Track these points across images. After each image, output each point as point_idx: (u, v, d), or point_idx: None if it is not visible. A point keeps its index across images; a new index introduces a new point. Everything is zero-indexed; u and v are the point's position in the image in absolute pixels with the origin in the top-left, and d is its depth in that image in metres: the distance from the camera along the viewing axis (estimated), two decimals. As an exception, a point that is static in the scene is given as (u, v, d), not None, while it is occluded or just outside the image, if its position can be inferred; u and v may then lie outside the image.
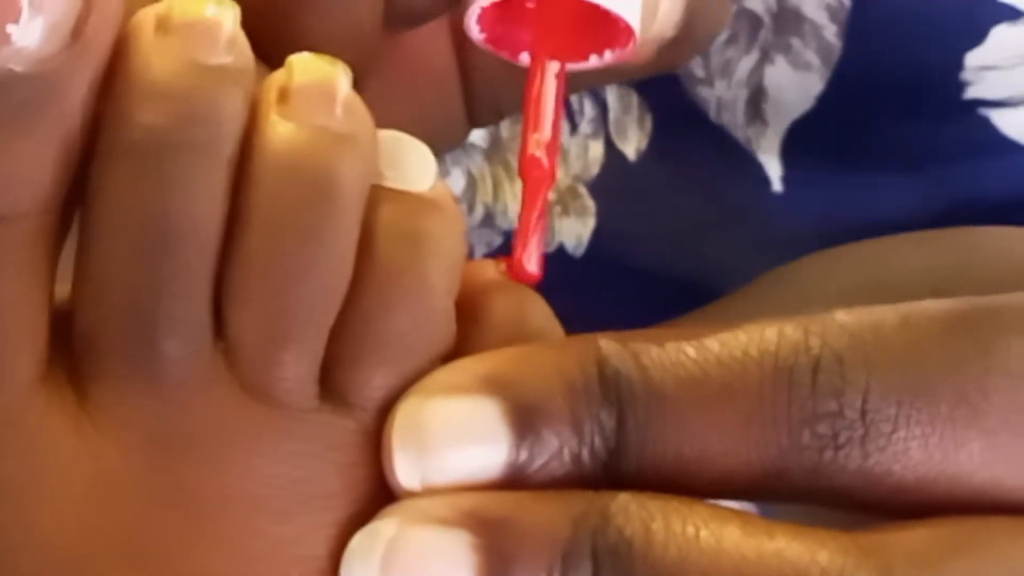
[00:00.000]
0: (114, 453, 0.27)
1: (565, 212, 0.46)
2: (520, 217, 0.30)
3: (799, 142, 0.45)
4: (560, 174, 0.46)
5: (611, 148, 0.46)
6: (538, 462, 0.26)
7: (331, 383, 0.28)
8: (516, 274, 0.30)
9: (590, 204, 0.46)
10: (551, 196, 0.46)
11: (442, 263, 0.28)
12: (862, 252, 0.42)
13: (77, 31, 0.25)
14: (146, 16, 0.27)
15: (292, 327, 0.27)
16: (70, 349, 0.28)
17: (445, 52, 0.36)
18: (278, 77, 0.28)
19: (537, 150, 0.31)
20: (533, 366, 0.27)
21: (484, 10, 0.31)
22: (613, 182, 0.46)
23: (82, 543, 0.27)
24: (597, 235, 0.46)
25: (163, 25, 0.27)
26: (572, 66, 0.32)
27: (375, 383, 0.28)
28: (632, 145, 0.46)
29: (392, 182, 0.28)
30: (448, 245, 0.28)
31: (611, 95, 0.45)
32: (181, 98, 0.26)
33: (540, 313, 0.29)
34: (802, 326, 0.26)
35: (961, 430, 0.26)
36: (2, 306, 0.27)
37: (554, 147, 0.31)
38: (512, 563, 0.25)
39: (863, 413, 0.26)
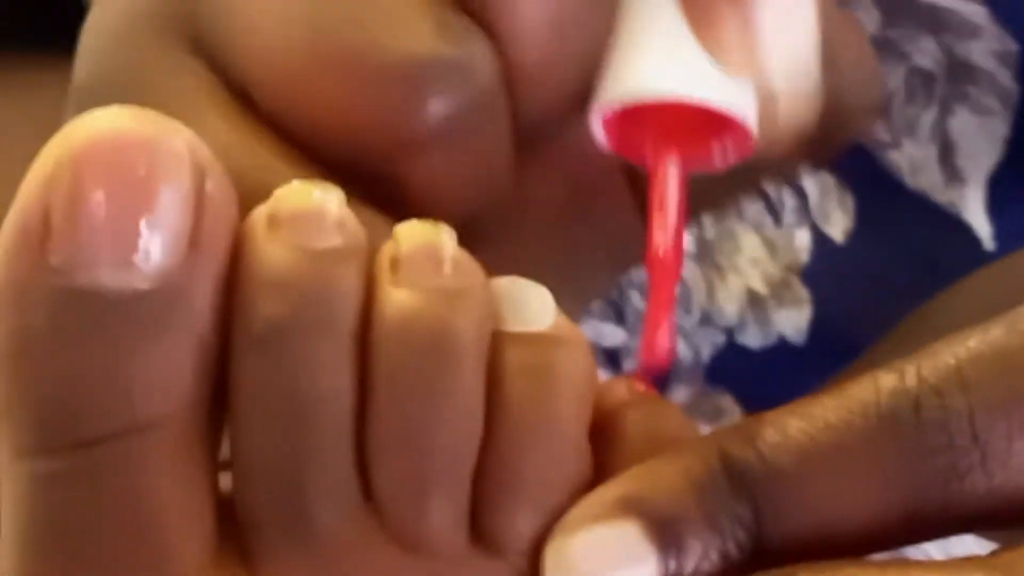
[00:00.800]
0: None
1: (780, 304, 0.47)
2: (648, 309, 0.31)
3: (1001, 195, 0.44)
4: (771, 267, 0.46)
5: (817, 233, 0.46)
6: (688, 567, 0.27)
7: (480, 528, 0.29)
8: (647, 362, 0.31)
9: (804, 293, 0.46)
10: (763, 289, 0.47)
11: (570, 395, 0.29)
12: (999, 269, 0.40)
13: (194, 241, 0.28)
14: (258, 213, 0.29)
15: (432, 478, 0.28)
16: (238, 531, 0.29)
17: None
18: (388, 249, 0.29)
19: (661, 249, 0.32)
20: (661, 478, 0.27)
21: (608, 117, 0.32)
22: (824, 268, 0.46)
23: None
24: (816, 322, 0.46)
25: (273, 219, 0.29)
26: (698, 170, 0.33)
27: (520, 522, 0.29)
28: (838, 227, 0.46)
29: (514, 325, 0.30)
30: (575, 376, 0.29)
31: (807, 181, 0.45)
32: (295, 285, 0.28)
33: (672, 420, 0.30)
34: (897, 368, 0.27)
35: None
36: (167, 501, 0.28)
37: (678, 244, 0.32)
38: None
39: (974, 436, 0.26)
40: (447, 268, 0.29)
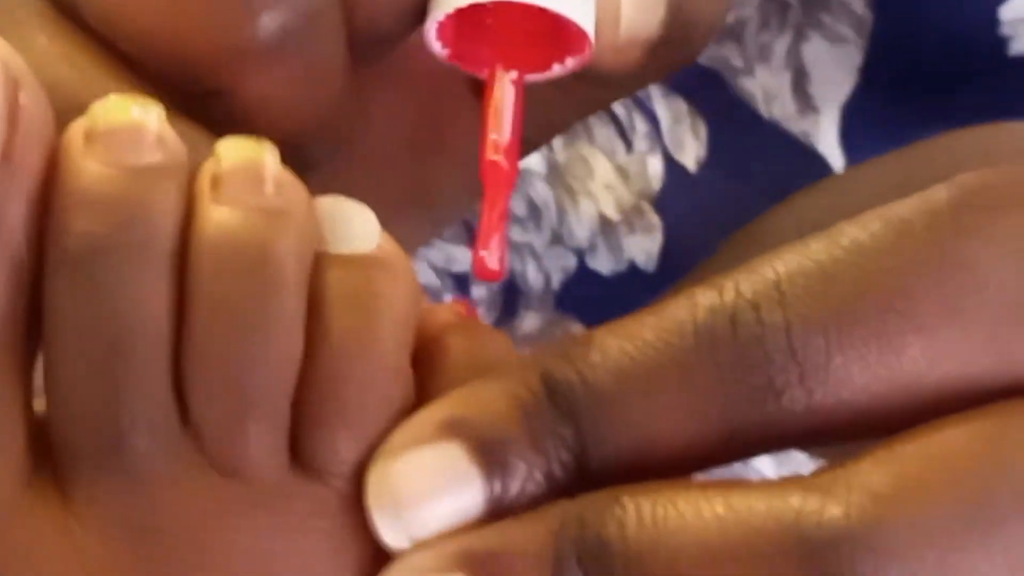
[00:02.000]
0: (99, 548, 0.28)
1: (631, 230, 0.46)
2: (481, 218, 0.31)
3: (855, 125, 0.44)
4: (623, 193, 0.46)
5: (670, 162, 0.45)
6: (513, 489, 0.26)
7: (300, 453, 0.28)
8: (480, 272, 0.30)
9: (656, 220, 0.46)
10: (614, 215, 0.46)
11: (392, 321, 0.28)
12: (829, 186, 0.40)
13: (5, 154, 0.26)
14: (75, 128, 0.28)
15: (251, 404, 0.28)
16: (51, 456, 0.28)
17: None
18: (209, 166, 0.28)
19: (495, 154, 0.31)
20: (484, 400, 0.27)
21: (441, 24, 0.31)
22: (677, 196, 0.46)
23: None
24: (667, 249, 0.46)
25: (90, 135, 0.27)
26: (536, 76, 0.32)
27: (341, 448, 0.28)
28: (691, 156, 0.45)
29: (336, 247, 0.29)
30: (397, 301, 0.29)
31: (659, 106, 0.45)
32: (112, 203, 0.27)
33: (495, 345, 0.30)
34: (715, 285, 0.26)
35: (896, 337, 0.25)
36: None
37: (513, 151, 0.31)
38: None
39: (792, 352, 0.25)
40: (269, 187, 0.28)
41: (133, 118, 0.28)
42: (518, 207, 0.47)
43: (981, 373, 0.25)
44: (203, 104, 0.31)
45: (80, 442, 0.28)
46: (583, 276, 0.47)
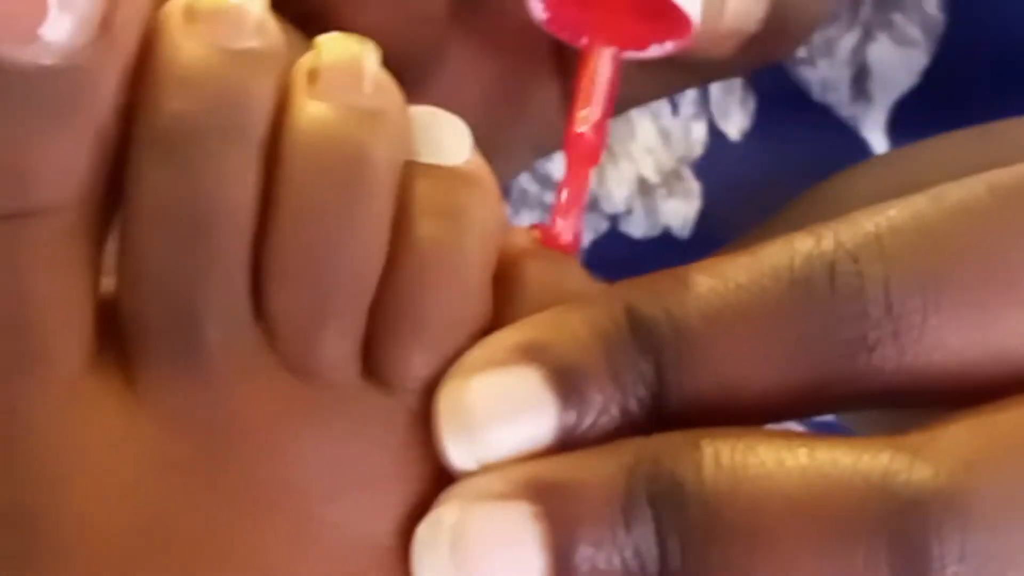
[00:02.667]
0: (162, 439, 0.27)
1: (670, 194, 0.46)
2: (561, 189, 0.30)
3: (905, 118, 0.44)
4: (664, 157, 0.46)
5: (714, 129, 0.45)
6: (587, 421, 0.26)
7: (374, 362, 0.28)
8: (551, 244, 0.30)
9: (695, 186, 0.46)
10: (654, 178, 0.46)
11: (478, 237, 0.28)
12: (910, 155, 0.40)
13: (105, 24, 0.26)
14: (175, 6, 0.27)
15: (329, 305, 0.27)
16: (119, 338, 0.28)
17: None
18: (307, 59, 0.28)
19: (583, 127, 0.31)
20: (565, 327, 0.26)
21: None
22: (717, 163, 0.46)
23: (131, 531, 0.27)
24: (703, 216, 0.46)
25: (191, 13, 0.27)
26: (633, 54, 0.32)
27: (415, 361, 0.28)
28: (735, 126, 0.45)
29: (426, 157, 0.28)
30: (483, 218, 0.28)
31: (712, 76, 0.45)
32: (208, 84, 0.27)
33: (574, 275, 0.29)
34: (814, 233, 0.26)
35: (994, 304, 0.24)
36: (48, 298, 0.27)
37: (601, 128, 0.31)
38: (575, 524, 0.25)
39: (888, 308, 0.25)
40: (367, 86, 0.28)
41: (235, 1, 0.27)
42: (557, 166, 0.47)
43: None
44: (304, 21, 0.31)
45: (150, 324, 0.27)
46: (614, 237, 0.47)
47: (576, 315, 0.27)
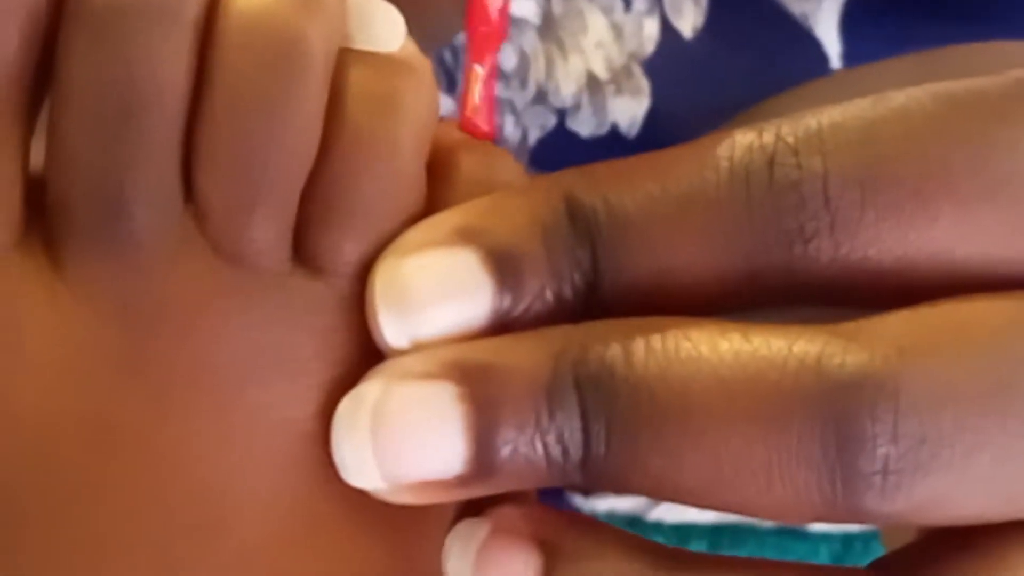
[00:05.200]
0: (87, 320, 0.27)
1: (619, 91, 0.46)
2: (466, 75, 0.30)
3: (857, 17, 0.43)
4: (614, 53, 0.45)
5: (666, 26, 0.45)
6: (522, 305, 0.26)
7: (304, 248, 0.28)
8: (467, 131, 0.30)
9: (644, 83, 0.46)
10: (604, 74, 0.46)
11: (412, 125, 0.28)
12: (860, 76, 0.40)
13: None
14: None
15: (259, 189, 0.27)
16: (46, 220, 0.28)
17: None
18: None
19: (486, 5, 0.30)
20: (504, 212, 0.26)
21: None
22: (668, 61, 0.45)
23: (55, 414, 0.27)
24: (652, 115, 0.46)
25: None
26: None
27: (347, 247, 0.28)
28: (688, 22, 0.45)
29: (361, 44, 0.28)
30: (418, 106, 0.28)
31: (664, -29, 0.44)
32: None
33: (506, 167, 0.29)
34: (755, 128, 0.26)
35: (932, 203, 0.25)
36: None
37: (504, 9, 0.30)
38: (498, 407, 0.25)
39: (826, 200, 0.25)
40: None
41: None
42: (508, 60, 0.46)
43: (1012, 259, 0.25)
44: None
45: (78, 205, 0.27)
46: (560, 135, 0.47)
47: (514, 201, 0.26)
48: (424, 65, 0.29)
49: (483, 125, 0.30)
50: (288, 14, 0.27)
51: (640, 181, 0.26)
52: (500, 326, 0.26)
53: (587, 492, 0.50)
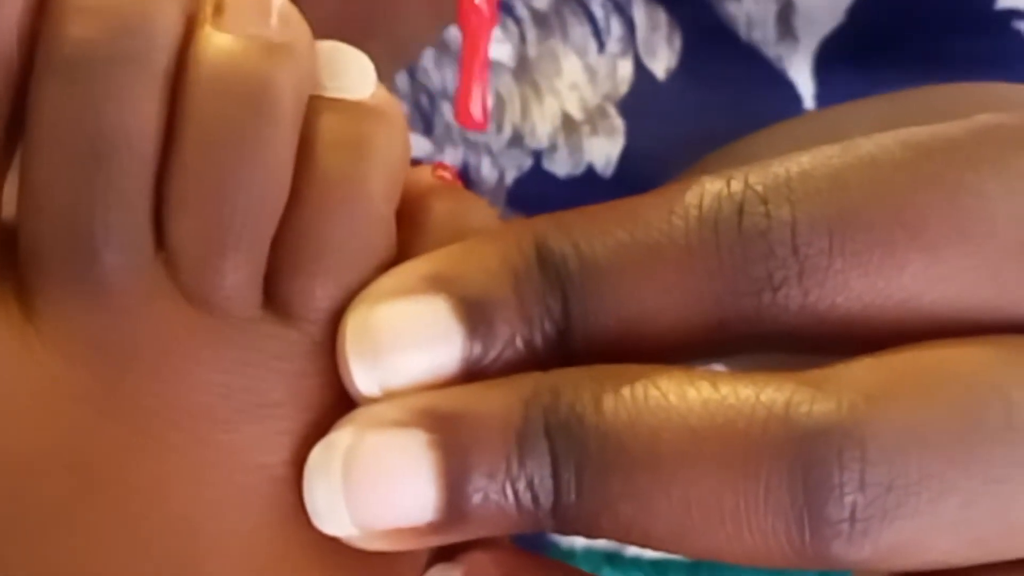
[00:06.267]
0: (59, 364, 0.27)
1: (594, 132, 0.46)
2: (461, 65, 0.30)
3: (831, 59, 0.44)
4: (589, 94, 0.45)
5: (640, 67, 0.45)
6: (492, 353, 0.26)
7: (275, 293, 0.28)
8: (462, 120, 0.30)
9: (619, 123, 0.46)
10: (579, 115, 0.46)
11: (383, 170, 0.28)
12: (831, 116, 0.40)
13: None
14: None
15: (230, 235, 0.27)
16: (17, 267, 0.28)
17: None
18: None
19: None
20: (474, 259, 0.26)
21: None
22: (642, 102, 0.45)
23: (28, 455, 0.27)
24: (626, 155, 0.46)
25: None
26: None
27: (318, 293, 0.28)
28: (662, 64, 0.45)
29: (332, 92, 0.28)
30: (389, 152, 0.28)
31: (638, 12, 0.45)
32: (111, 11, 0.27)
33: (479, 211, 0.29)
34: (724, 176, 0.26)
35: (900, 251, 0.25)
36: None
37: None
38: (469, 454, 0.25)
39: (795, 248, 0.25)
40: (274, 19, 0.27)
41: None
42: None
43: (979, 305, 0.25)
44: None
45: (50, 252, 0.27)
46: (537, 175, 0.47)
47: (485, 248, 0.27)
48: (396, 110, 0.29)
49: (477, 114, 0.30)
50: (258, 60, 0.27)
51: (610, 228, 0.26)
52: (471, 374, 0.26)
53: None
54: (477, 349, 0.26)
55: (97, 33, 0.26)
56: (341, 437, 0.26)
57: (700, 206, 0.25)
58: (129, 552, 0.28)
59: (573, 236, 0.26)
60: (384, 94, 0.29)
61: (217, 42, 0.27)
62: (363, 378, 0.27)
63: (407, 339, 0.26)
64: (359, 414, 0.26)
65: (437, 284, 0.26)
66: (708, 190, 0.26)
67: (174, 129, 0.27)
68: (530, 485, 0.25)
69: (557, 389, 0.25)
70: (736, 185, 0.25)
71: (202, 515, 0.28)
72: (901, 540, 0.24)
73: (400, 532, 0.26)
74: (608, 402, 0.25)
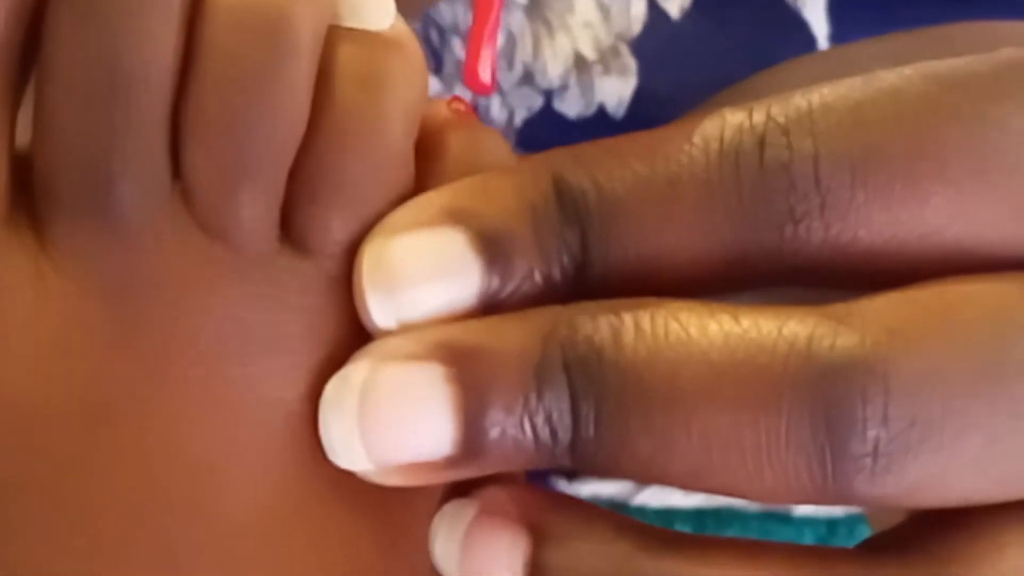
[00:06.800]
0: (74, 297, 0.27)
1: (606, 71, 0.45)
2: (472, 27, 0.30)
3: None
4: (602, 33, 0.45)
5: (654, 7, 0.45)
6: (510, 287, 0.26)
7: (291, 227, 0.28)
8: (470, 83, 0.30)
9: (632, 63, 0.45)
10: (591, 54, 0.46)
11: (401, 103, 0.28)
12: (850, 52, 0.40)
13: None
14: None
15: (247, 167, 0.27)
16: (33, 197, 0.28)
17: None
18: None
19: None
20: (493, 193, 0.26)
21: None
22: (655, 41, 0.45)
23: (44, 392, 0.27)
24: (638, 95, 0.45)
25: None
26: None
27: (334, 226, 0.27)
28: (675, 3, 0.45)
29: (350, 22, 0.28)
30: (407, 85, 0.28)
31: (652, -50, 0.44)
32: None
33: (495, 146, 0.29)
34: (745, 108, 0.26)
35: (923, 184, 0.24)
36: None
37: None
38: (487, 388, 0.25)
39: (817, 181, 0.25)
40: None
41: None
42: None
43: (1001, 240, 0.25)
44: None
45: (65, 182, 0.27)
46: (547, 116, 0.46)
47: (503, 182, 0.26)
48: (413, 44, 0.28)
49: (485, 77, 0.29)
50: None
51: (629, 162, 0.26)
52: (488, 307, 0.26)
53: (572, 476, 0.49)
54: (495, 282, 0.26)
55: None
56: (357, 370, 0.26)
57: (721, 139, 0.25)
58: (146, 492, 0.27)
59: (591, 170, 0.26)
60: (402, 26, 0.28)
61: None
62: (379, 311, 0.26)
63: (424, 271, 0.26)
64: (375, 347, 0.26)
65: (455, 217, 0.26)
66: (729, 122, 0.25)
67: (191, 61, 0.27)
68: (548, 420, 0.25)
69: (575, 323, 0.25)
70: (757, 117, 0.25)
71: (218, 452, 0.28)
72: (924, 476, 0.24)
73: (416, 467, 0.25)
74: (627, 336, 0.25)
